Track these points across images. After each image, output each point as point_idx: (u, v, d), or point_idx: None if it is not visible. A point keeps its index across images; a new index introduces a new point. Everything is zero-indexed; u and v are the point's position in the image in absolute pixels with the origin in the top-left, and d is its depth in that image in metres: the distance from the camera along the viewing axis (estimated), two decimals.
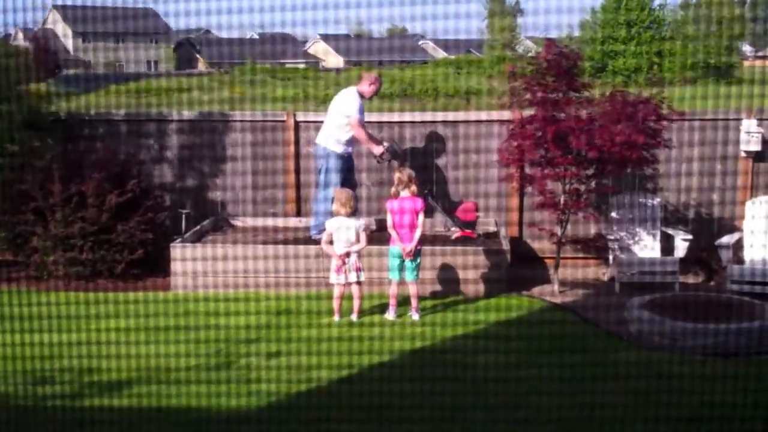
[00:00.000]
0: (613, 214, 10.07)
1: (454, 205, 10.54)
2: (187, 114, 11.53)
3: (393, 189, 8.66)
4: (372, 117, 10.65)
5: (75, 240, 9.69)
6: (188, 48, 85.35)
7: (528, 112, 9.41)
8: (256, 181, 10.98)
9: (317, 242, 9.32)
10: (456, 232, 9.97)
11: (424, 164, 10.68)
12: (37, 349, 7.16)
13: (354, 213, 8.59)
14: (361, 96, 9.97)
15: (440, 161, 10.82)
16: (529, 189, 10.07)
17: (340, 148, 9.89)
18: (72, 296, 9.26)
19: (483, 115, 11.09)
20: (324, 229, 9.42)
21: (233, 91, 36.75)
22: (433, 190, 10.60)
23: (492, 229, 10.44)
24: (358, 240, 8.42)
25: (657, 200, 10.16)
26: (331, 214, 8.70)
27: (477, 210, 10.30)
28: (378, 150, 10.00)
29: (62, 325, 7.91)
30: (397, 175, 8.71)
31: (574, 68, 9.21)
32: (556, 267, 9.64)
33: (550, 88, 9.11)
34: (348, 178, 10.00)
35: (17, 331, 7.65)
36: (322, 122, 10.59)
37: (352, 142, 9.98)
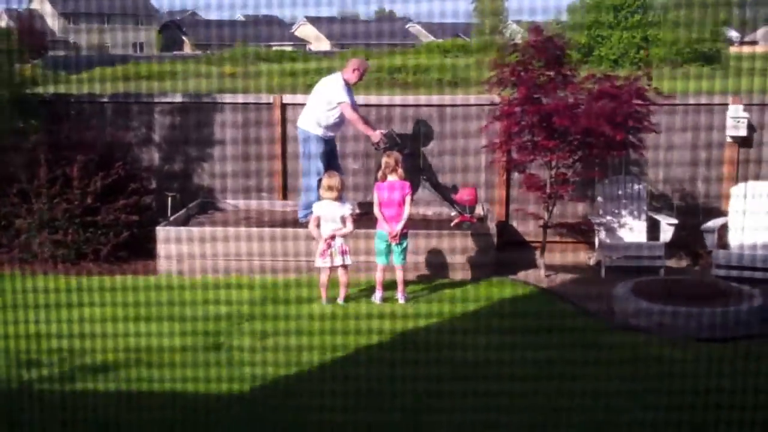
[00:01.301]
0: (599, 199, 10.10)
1: (447, 190, 10.49)
2: (173, 96, 11.50)
3: (380, 173, 8.66)
4: (359, 100, 10.60)
5: (60, 222, 9.64)
6: (174, 30, 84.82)
7: (514, 96, 9.40)
8: (243, 163, 10.93)
9: (304, 225, 9.35)
10: (456, 218, 9.95)
11: (411, 149, 10.66)
12: (22, 332, 7.16)
13: (341, 197, 8.58)
14: (347, 82, 9.91)
15: (427, 145, 10.80)
16: (515, 173, 10.09)
17: (321, 131, 9.85)
18: (57, 279, 9.21)
19: (470, 99, 11.08)
20: (309, 214, 9.41)
21: (226, 73, 36.54)
22: (421, 175, 10.58)
23: (481, 213, 10.45)
24: (344, 224, 8.42)
25: (643, 185, 10.18)
26: (319, 197, 8.70)
27: (476, 195, 10.24)
28: (375, 137, 9.92)
29: (47, 307, 7.89)
30: (384, 159, 8.71)
31: (561, 55, 9.21)
32: (543, 251, 9.67)
33: (537, 74, 9.12)
34: (332, 162, 9.97)
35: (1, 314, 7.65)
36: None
37: (335, 127, 9.94)
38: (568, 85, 9.13)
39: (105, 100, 11.39)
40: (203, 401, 6.11)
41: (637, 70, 9.64)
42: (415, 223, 9.41)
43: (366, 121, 10.09)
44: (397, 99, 11.41)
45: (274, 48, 65.04)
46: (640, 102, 9.00)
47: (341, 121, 9.93)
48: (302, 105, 10.48)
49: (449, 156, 10.75)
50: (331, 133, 9.94)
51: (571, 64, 9.53)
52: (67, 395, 6.20)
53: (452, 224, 9.86)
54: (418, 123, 10.78)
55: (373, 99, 11.23)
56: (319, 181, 9.20)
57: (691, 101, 10.70)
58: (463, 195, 10.08)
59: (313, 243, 8.73)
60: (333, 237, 8.35)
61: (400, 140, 10.12)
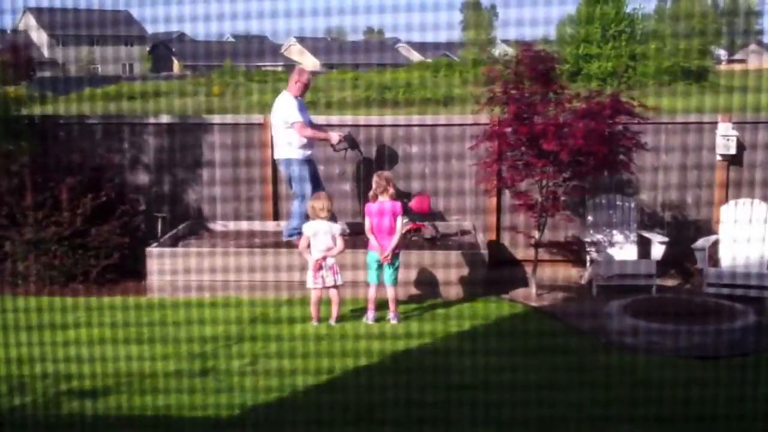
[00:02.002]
0: (590, 217, 10.10)
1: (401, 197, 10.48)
2: (163, 117, 11.48)
3: (371, 193, 8.64)
4: (348, 120, 10.64)
5: (49, 244, 9.59)
6: (164, 51, 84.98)
7: (503, 116, 9.42)
8: (233, 184, 10.90)
9: (291, 245, 9.37)
10: (408, 225, 9.88)
11: (402, 169, 10.67)
12: (9, 354, 7.10)
13: (331, 217, 8.56)
14: (296, 96, 9.91)
15: (417, 165, 10.79)
16: (506, 193, 10.09)
17: (299, 153, 9.84)
18: (46, 301, 9.15)
19: (459, 119, 11.09)
20: (294, 234, 9.53)
21: (213, 93, 36.57)
22: (411, 194, 10.58)
23: (469, 230, 10.45)
24: (335, 243, 8.39)
25: (633, 203, 10.19)
26: (307, 217, 8.68)
27: (429, 203, 10.28)
28: (334, 138, 9.95)
29: (35, 330, 7.84)
30: (375, 178, 8.68)
31: (551, 71, 9.23)
32: (534, 270, 9.65)
33: (527, 92, 9.14)
34: (316, 182, 9.97)
35: None
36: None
37: (308, 145, 9.94)
38: (558, 104, 9.13)
39: (94, 121, 11.35)
40: (192, 425, 6.05)
41: (626, 89, 9.64)
42: (406, 243, 9.39)
43: (321, 129, 10.10)
44: (386, 119, 11.45)
45: (263, 68, 65.21)
46: (626, 120, 9.02)
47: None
48: None
49: (439, 173, 10.74)
50: (308, 151, 9.93)
51: (561, 81, 9.55)
52: (55, 419, 6.12)
53: (404, 231, 9.76)
54: (407, 140, 10.77)
55: (361, 120, 11.26)
56: (310, 192, 9.38)
57: (680, 119, 10.74)
58: (416, 203, 10.13)
59: (302, 263, 8.68)
60: (324, 258, 8.32)
61: (357, 142, 10.32)
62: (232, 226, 10.82)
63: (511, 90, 9.17)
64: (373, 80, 43.34)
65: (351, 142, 10.16)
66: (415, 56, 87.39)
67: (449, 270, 9.28)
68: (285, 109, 9.83)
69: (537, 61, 9.12)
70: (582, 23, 59.14)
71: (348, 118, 10.66)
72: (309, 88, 10.23)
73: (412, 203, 10.15)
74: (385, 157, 10.75)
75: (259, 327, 8.29)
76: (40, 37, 75.81)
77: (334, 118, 11.40)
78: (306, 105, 10.29)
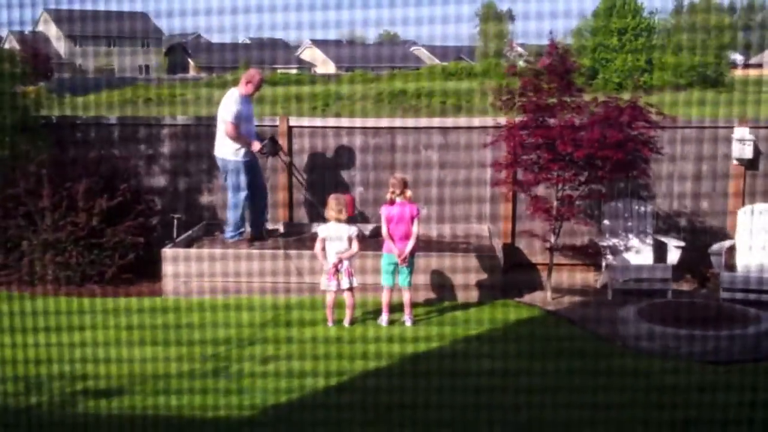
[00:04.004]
0: (606, 221, 10.06)
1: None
2: (178, 118, 11.52)
3: (388, 195, 8.62)
4: (357, 122, 10.66)
5: (65, 244, 9.63)
6: (180, 52, 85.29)
7: (520, 118, 9.40)
8: None
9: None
10: None
11: (416, 170, 10.66)
12: (23, 354, 7.12)
13: (346, 219, 8.56)
14: (244, 96, 9.94)
15: (433, 167, 10.78)
16: (522, 195, 10.07)
17: (236, 155, 9.89)
18: (61, 301, 9.19)
19: (476, 122, 11.07)
20: (235, 233, 9.96)
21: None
22: (432, 195, 10.57)
23: (485, 234, 10.44)
24: (350, 245, 8.39)
25: (649, 207, 10.15)
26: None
27: (353, 205, 10.32)
28: (255, 146, 9.96)
29: (51, 330, 7.86)
30: (391, 181, 8.67)
31: (570, 74, 9.21)
32: (549, 273, 9.62)
33: (546, 94, 9.12)
34: (254, 182, 10.08)
35: (5, 335, 7.61)
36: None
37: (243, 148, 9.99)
38: (575, 108, 9.11)
39: (111, 122, 11.40)
40: (206, 426, 6.06)
41: (643, 94, 9.59)
42: (421, 245, 9.39)
43: (243, 137, 9.91)
44: (398, 122, 11.47)
45: (279, 71, 65.35)
46: (642, 124, 8.99)
47: (248, 135, 10.00)
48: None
49: (455, 177, 10.74)
50: (244, 157, 9.95)
51: (579, 85, 9.54)
52: (71, 418, 6.15)
53: None
54: (423, 143, 10.76)
55: (370, 122, 11.31)
56: (245, 198, 9.83)
57: (697, 124, 10.70)
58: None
59: (316, 264, 8.70)
60: (340, 261, 8.32)
61: (279, 147, 10.49)
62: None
63: (529, 92, 9.16)
64: (387, 82, 43.36)
65: (272, 147, 10.28)
66: (431, 59, 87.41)
67: (464, 273, 9.27)
68: (226, 107, 9.87)
69: (560, 61, 9.12)
70: (598, 28, 59.05)
71: (357, 120, 10.66)
72: (259, 89, 10.24)
73: None
74: (398, 160, 10.75)
75: (273, 329, 8.29)
76: (58, 38, 76.27)
77: (344, 120, 11.40)
78: (252, 104, 10.29)
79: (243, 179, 9.92)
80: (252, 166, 10.08)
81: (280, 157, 10.69)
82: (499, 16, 77.69)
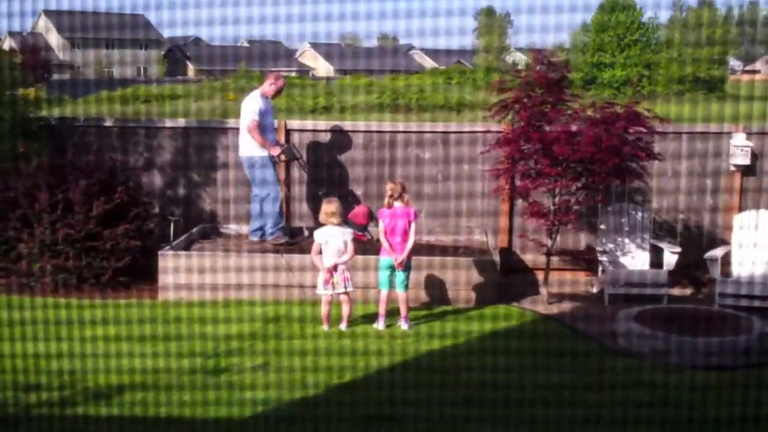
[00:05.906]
0: (603, 227, 10.08)
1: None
2: (177, 121, 11.51)
3: (385, 200, 8.63)
4: (360, 126, 10.65)
5: (61, 247, 9.62)
6: (178, 55, 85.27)
7: (516, 124, 9.42)
8: (246, 188, 10.89)
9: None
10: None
11: (414, 175, 10.67)
12: (19, 358, 7.12)
13: (342, 223, 8.56)
14: (266, 96, 10.15)
15: (429, 172, 10.79)
16: (519, 200, 10.07)
17: (261, 151, 10.02)
18: (59, 302, 9.17)
19: (473, 127, 11.08)
20: (266, 234, 10.03)
21: (226, 98, 36.68)
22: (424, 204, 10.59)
23: (481, 239, 10.45)
24: (346, 249, 8.39)
25: (646, 213, 10.17)
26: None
27: (368, 214, 10.36)
28: (274, 150, 10.08)
29: (47, 333, 7.86)
30: (390, 185, 8.68)
31: (562, 80, 9.23)
32: (546, 278, 9.63)
33: (539, 101, 9.13)
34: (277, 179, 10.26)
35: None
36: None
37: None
38: (571, 114, 9.12)
39: (108, 123, 11.40)
40: (201, 429, 6.06)
41: (640, 98, 9.59)
42: (417, 250, 9.39)
43: (265, 139, 10.04)
44: (398, 126, 11.52)
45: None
46: (639, 129, 9.00)
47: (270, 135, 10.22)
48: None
49: (451, 181, 10.74)
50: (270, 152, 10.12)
51: (573, 90, 9.54)
52: (66, 421, 6.14)
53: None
54: (420, 147, 10.78)
55: (374, 126, 11.31)
56: (278, 192, 9.98)
57: (694, 129, 10.71)
58: (354, 215, 10.26)
59: (313, 268, 8.70)
60: (335, 266, 8.32)
61: (298, 153, 10.66)
62: (244, 229, 10.84)
63: (523, 99, 9.17)
64: (386, 86, 43.33)
65: (290, 153, 10.42)
66: (429, 63, 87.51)
67: (460, 276, 9.27)
68: (248, 107, 10.05)
69: (548, 69, 9.13)
70: (596, 31, 59.09)
71: (361, 124, 10.69)
72: (282, 93, 10.54)
73: (351, 216, 10.18)
74: (398, 165, 10.76)
75: (269, 332, 8.29)
76: (56, 39, 76.25)
77: (347, 123, 11.39)
78: (272, 108, 10.48)
79: (272, 173, 10.06)
80: (275, 163, 10.23)
81: (299, 162, 10.71)
82: (496, 20, 77.69)
